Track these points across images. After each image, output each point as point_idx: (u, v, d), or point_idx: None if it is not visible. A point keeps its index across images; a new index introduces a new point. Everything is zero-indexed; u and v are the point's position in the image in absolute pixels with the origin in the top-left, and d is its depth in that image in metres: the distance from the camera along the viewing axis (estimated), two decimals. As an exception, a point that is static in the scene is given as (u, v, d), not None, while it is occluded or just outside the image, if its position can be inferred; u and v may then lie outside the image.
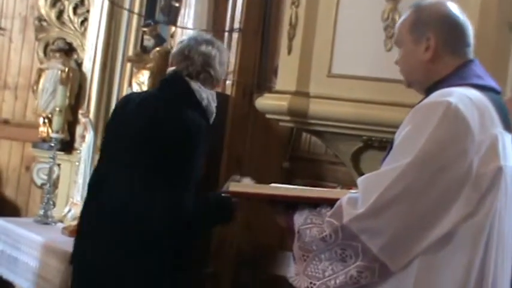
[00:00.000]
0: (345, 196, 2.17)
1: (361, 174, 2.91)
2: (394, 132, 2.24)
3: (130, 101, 3.24)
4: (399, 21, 2.41)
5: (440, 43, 2.29)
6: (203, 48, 3.19)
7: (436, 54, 2.29)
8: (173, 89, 3.17)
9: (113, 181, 3.13)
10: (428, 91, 2.29)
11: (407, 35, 2.34)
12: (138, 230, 3.02)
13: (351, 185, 2.55)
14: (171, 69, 3.26)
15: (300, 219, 2.22)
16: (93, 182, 3.28)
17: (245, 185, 2.46)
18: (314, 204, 2.24)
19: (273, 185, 2.42)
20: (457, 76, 2.28)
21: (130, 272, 3.01)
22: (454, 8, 2.34)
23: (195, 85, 3.15)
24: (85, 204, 3.30)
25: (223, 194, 2.53)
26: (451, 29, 2.32)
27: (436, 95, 2.20)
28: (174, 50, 3.28)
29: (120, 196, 3.07)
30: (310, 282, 2.17)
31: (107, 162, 3.24)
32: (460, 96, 2.17)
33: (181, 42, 3.27)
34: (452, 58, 2.31)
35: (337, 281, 2.13)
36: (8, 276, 4.63)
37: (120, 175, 3.10)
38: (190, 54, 3.17)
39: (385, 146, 2.39)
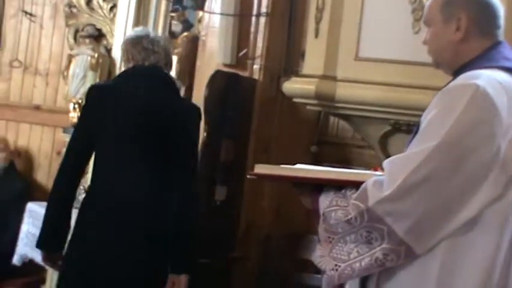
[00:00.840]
0: (370, 178, 2.15)
1: (388, 157, 2.89)
2: (421, 116, 2.22)
3: (117, 93, 3.22)
4: (429, 0, 2.38)
5: (471, 24, 2.26)
6: (162, 42, 3.31)
7: (467, 35, 2.26)
8: (162, 79, 3.25)
9: (126, 179, 3.14)
10: (456, 73, 2.26)
11: (438, 14, 2.30)
12: (163, 226, 3.07)
13: (378, 167, 2.53)
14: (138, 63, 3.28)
15: (325, 201, 2.21)
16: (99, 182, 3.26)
17: (270, 167, 2.44)
18: (340, 186, 2.23)
19: (298, 165, 2.41)
20: (486, 58, 2.25)
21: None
22: None
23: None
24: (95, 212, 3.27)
25: (248, 177, 2.52)
26: (483, 10, 2.29)
27: (464, 78, 2.18)
28: (129, 46, 3.31)
29: (142, 195, 3.10)
30: (336, 265, 2.16)
31: (110, 159, 3.22)
32: (488, 79, 2.13)
33: (136, 38, 3.32)
34: (481, 39, 2.27)
35: (363, 263, 2.12)
36: (40, 259, 4.66)
37: (133, 172, 3.12)
38: (155, 49, 3.25)
39: (413, 129, 2.36)
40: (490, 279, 2.10)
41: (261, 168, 2.40)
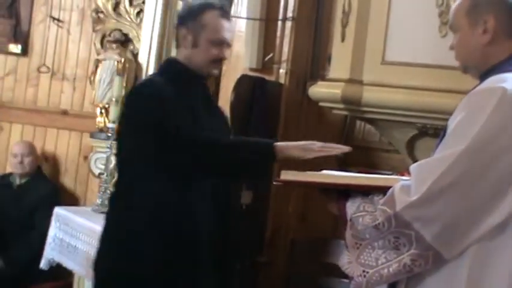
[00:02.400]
0: (397, 183, 2.14)
1: (415, 161, 2.87)
2: (448, 119, 2.20)
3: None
4: (454, 4, 2.36)
5: (498, 26, 2.24)
6: None
7: (494, 37, 2.25)
8: None
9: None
10: (483, 76, 2.25)
11: (464, 19, 2.29)
12: None
13: (405, 171, 2.52)
14: None
15: (352, 207, 2.21)
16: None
17: (296, 173, 2.43)
18: (367, 191, 2.22)
19: (324, 171, 2.40)
20: (513, 61, 2.24)
21: None
22: None
23: None
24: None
25: (274, 182, 2.52)
26: (509, 12, 2.27)
27: (491, 81, 2.16)
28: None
29: None
30: (363, 271, 2.16)
31: None
32: None
33: None
34: (508, 42, 2.26)
35: (391, 270, 2.11)
36: (67, 263, 4.70)
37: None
38: None
39: (440, 133, 2.35)
40: None
41: (287, 175, 2.40)
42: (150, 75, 3.76)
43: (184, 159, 2.81)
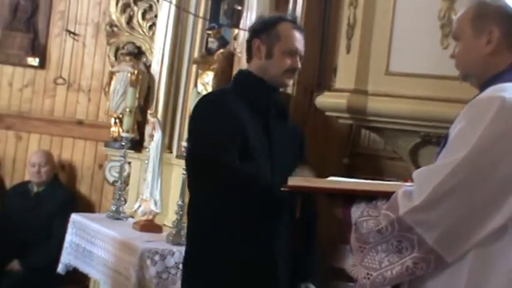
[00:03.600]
0: (400, 189, 2.16)
1: (418, 168, 2.88)
2: (450, 128, 2.21)
3: None
4: (459, 14, 2.35)
5: (502, 37, 2.25)
6: None
7: (497, 48, 2.25)
8: None
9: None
10: (483, 86, 2.25)
11: (468, 28, 2.29)
12: None
13: (408, 178, 2.53)
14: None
15: (357, 212, 2.22)
16: None
17: (303, 179, 2.45)
18: (370, 197, 2.24)
19: (330, 178, 2.42)
20: (512, 71, 2.25)
21: None
22: None
23: None
24: None
25: (282, 189, 2.52)
26: None
27: (491, 91, 2.17)
28: None
29: None
30: (367, 273, 2.16)
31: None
32: None
33: None
34: (510, 53, 2.26)
35: (394, 272, 2.12)
36: (84, 268, 4.72)
37: None
38: None
39: (442, 141, 2.36)
40: None
41: (294, 181, 2.42)
42: (222, 86, 3.73)
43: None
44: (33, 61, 6.40)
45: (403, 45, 3.24)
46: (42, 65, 6.37)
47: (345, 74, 3.41)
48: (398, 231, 2.11)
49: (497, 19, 2.26)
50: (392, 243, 2.13)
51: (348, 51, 3.37)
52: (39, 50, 6.39)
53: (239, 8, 4.62)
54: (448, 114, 2.77)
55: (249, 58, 3.07)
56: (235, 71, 4.09)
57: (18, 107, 6.36)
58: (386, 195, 2.17)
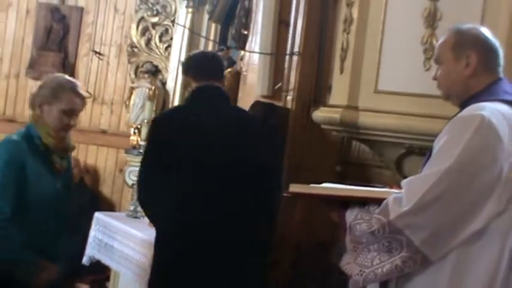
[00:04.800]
0: (391, 196, 2.14)
1: (404, 177, 2.86)
2: (432, 141, 2.20)
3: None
4: (440, 41, 2.35)
5: (479, 61, 2.24)
6: None
7: (475, 70, 2.24)
8: None
9: None
10: (463, 104, 2.24)
11: (449, 53, 2.27)
12: None
13: (394, 184, 2.51)
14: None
15: (351, 215, 2.20)
16: None
17: (303, 186, 2.43)
18: (363, 202, 2.21)
19: (324, 184, 2.40)
20: (489, 92, 2.23)
21: None
22: (489, 33, 2.30)
23: None
24: None
25: (284, 194, 2.51)
26: (489, 50, 2.27)
27: (471, 109, 2.16)
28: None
29: None
30: (360, 270, 2.14)
31: None
32: (492, 110, 2.12)
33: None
34: (487, 75, 2.25)
35: (384, 269, 2.10)
36: (105, 260, 4.69)
37: None
38: None
39: (424, 152, 2.34)
40: (495, 281, 2.08)
41: (295, 188, 2.39)
42: None
43: None
44: (63, 77, 6.39)
45: (390, 67, 3.22)
46: (71, 81, 6.35)
47: (338, 91, 3.38)
48: (389, 233, 2.09)
49: (475, 45, 2.25)
50: (383, 244, 2.11)
51: (342, 71, 3.34)
52: (69, 67, 6.40)
53: (245, 32, 4.60)
54: (430, 129, 2.76)
55: None
56: (241, 88, 4.09)
57: (49, 117, 6.33)
58: (378, 201, 2.15)
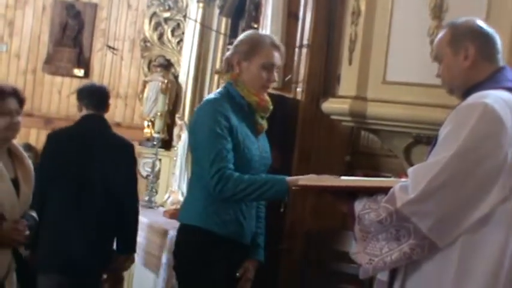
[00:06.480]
0: (397, 184, 2.13)
1: (411, 165, 2.85)
2: (439, 130, 2.18)
3: None
4: (437, 39, 2.34)
5: (477, 51, 2.22)
6: None
7: (474, 61, 2.23)
8: None
9: None
10: (465, 94, 2.23)
11: (447, 49, 2.27)
12: None
13: (402, 173, 2.50)
14: None
15: (359, 205, 2.19)
16: None
17: (312, 179, 2.43)
18: (371, 192, 2.20)
19: (327, 176, 2.40)
20: (492, 80, 2.22)
21: None
22: (483, 23, 2.29)
23: None
24: None
25: (293, 187, 2.49)
26: (485, 39, 2.25)
27: (474, 97, 2.15)
28: None
29: None
30: (370, 259, 2.15)
31: None
32: (494, 98, 2.11)
33: None
34: (486, 65, 2.24)
35: (393, 257, 2.10)
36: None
37: None
38: None
39: (431, 141, 2.33)
40: (502, 266, 2.07)
41: (304, 181, 2.39)
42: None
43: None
44: (79, 72, 6.43)
45: (398, 58, 3.21)
46: (87, 75, 6.40)
47: (347, 82, 3.38)
48: (396, 221, 2.08)
49: (470, 36, 2.24)
50: (391, 232, 2.11)
51: (350, 63, 3.34)
52: (84, 62, 6.43)
53: (255, 26, 4.59)
54: (437, 118, 2.74)
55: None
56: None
57: (66, 111, 6.38)
58: (385, 190, 2.15)
